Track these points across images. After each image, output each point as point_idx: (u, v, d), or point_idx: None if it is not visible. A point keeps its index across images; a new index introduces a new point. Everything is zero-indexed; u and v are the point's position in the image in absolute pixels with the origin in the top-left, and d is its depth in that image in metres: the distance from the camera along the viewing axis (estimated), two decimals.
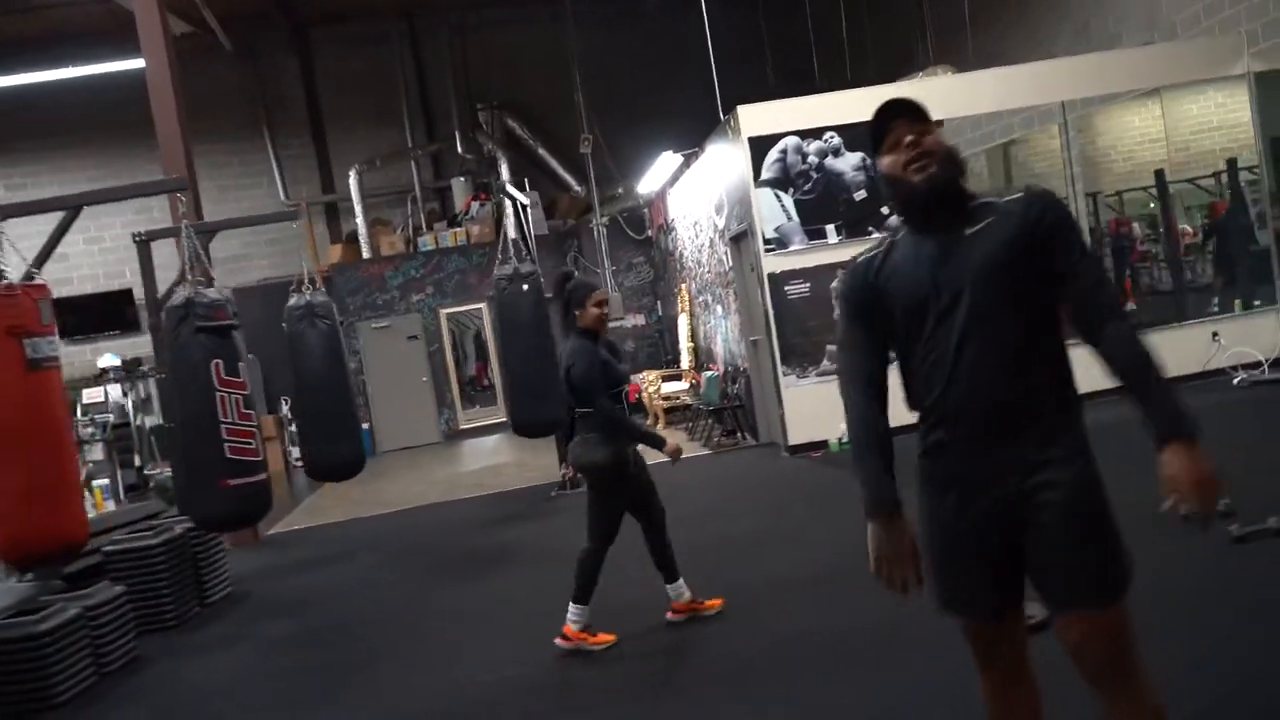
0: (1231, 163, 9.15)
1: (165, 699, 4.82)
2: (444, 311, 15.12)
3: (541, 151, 15.95)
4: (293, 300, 7.05)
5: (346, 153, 15.86)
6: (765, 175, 8.37)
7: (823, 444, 8.37)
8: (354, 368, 14.86)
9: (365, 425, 14.66)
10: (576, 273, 5.02)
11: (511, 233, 8.25)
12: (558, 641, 4.37)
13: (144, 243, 6.86)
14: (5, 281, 4.54)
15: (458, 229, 15.34)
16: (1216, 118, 9.39)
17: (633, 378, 13.49)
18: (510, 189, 8.36)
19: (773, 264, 8.35)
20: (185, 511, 5.86)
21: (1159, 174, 9.38)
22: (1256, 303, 8.90)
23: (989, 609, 2.08)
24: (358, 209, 15.19)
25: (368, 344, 14.90)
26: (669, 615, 4.54)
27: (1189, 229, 9.60)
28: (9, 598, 5.07)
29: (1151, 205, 9.64)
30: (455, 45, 16.01)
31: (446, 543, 7.55)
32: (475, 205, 15.49)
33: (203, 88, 15.34)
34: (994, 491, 2.00)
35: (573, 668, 4.25)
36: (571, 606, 4.36)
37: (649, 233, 14.38)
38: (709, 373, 10.74)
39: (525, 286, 7.31)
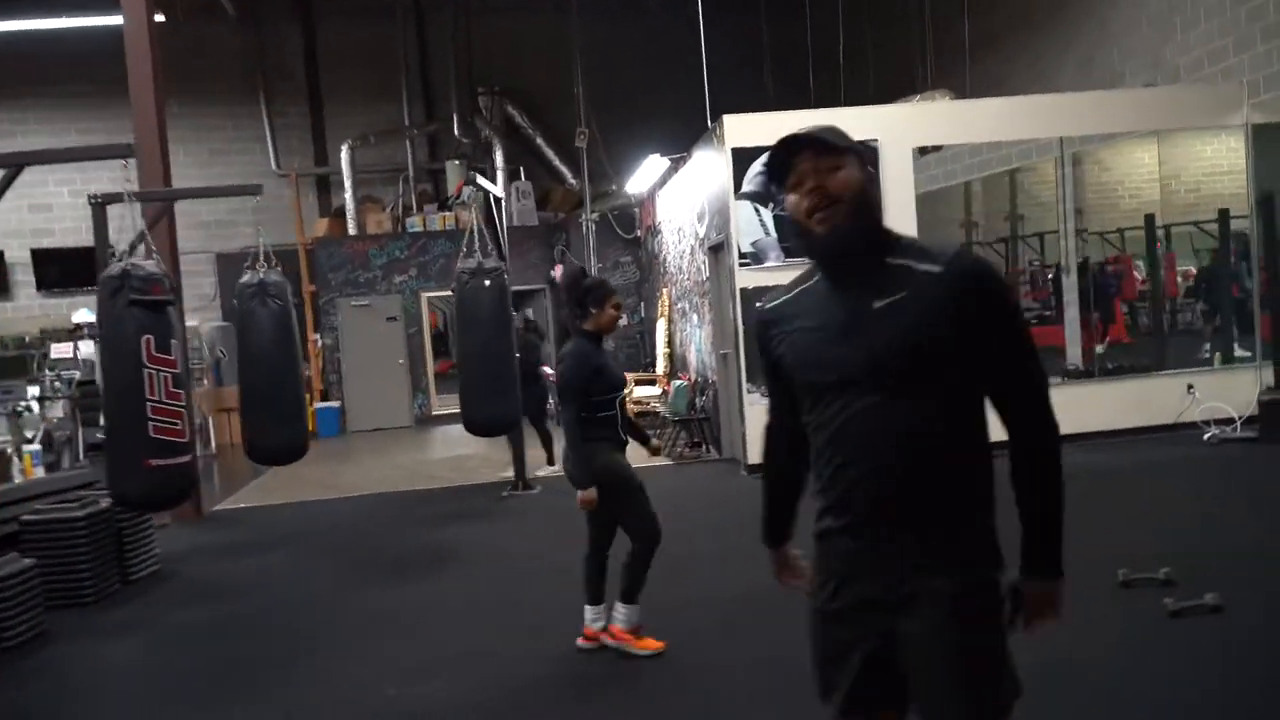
0: (1224, 213, 8.98)
1: (54, 679, 4.66)
2: (426, 295, 14.95)
3: (539, 141, 15.78)
4: (245, 277, 6.88)
5: (342, 126, 15.69)
6: (746, 188, 8.19)
7: None
8: (329, 344, 14.71)
9: (337, 404, 14.56)
10: (589, 270, 4.82)
11: (471, 222, 8.00)
12: (604, 639, 4.24)
13: (99, 205, 6.68)
14: None
15: (447, 213, 15.15)
16: (1212, 165, 9.23)
17: None
18: (481, 180, 8.16)
19: (746, 279, 8.18)
20: (107, 487, 5.69)
21: (1149, 218, 9.22)
22: (1246, 353, 8.74)
23: (859, 707, 1.86)
24: (347, 184, 15.02)
25: (345, 321, 14.73)
26: (580, 641, 4.36)
27: (1191, 269, 9.46)
28: None
29: (1158, 248, 9.47)
30: (460, 26, 15.81)
31: (390, 536, 7.39)
32: (467, 190, 15.24)
33: (202, 49, 15.22)
34: (871, 592, 1.80)
35: (488, 689, 4.07)
36: (619, 606, 4.21)
37: (638, 233, 14.19)
38: (679, 382, 10.57)
39: (487, 282, 7.13)
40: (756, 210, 8.21)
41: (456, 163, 15.54)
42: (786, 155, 1.80)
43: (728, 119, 8.19)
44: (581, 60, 13.00)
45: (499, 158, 15.36)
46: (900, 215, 8.26)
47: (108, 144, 5.80)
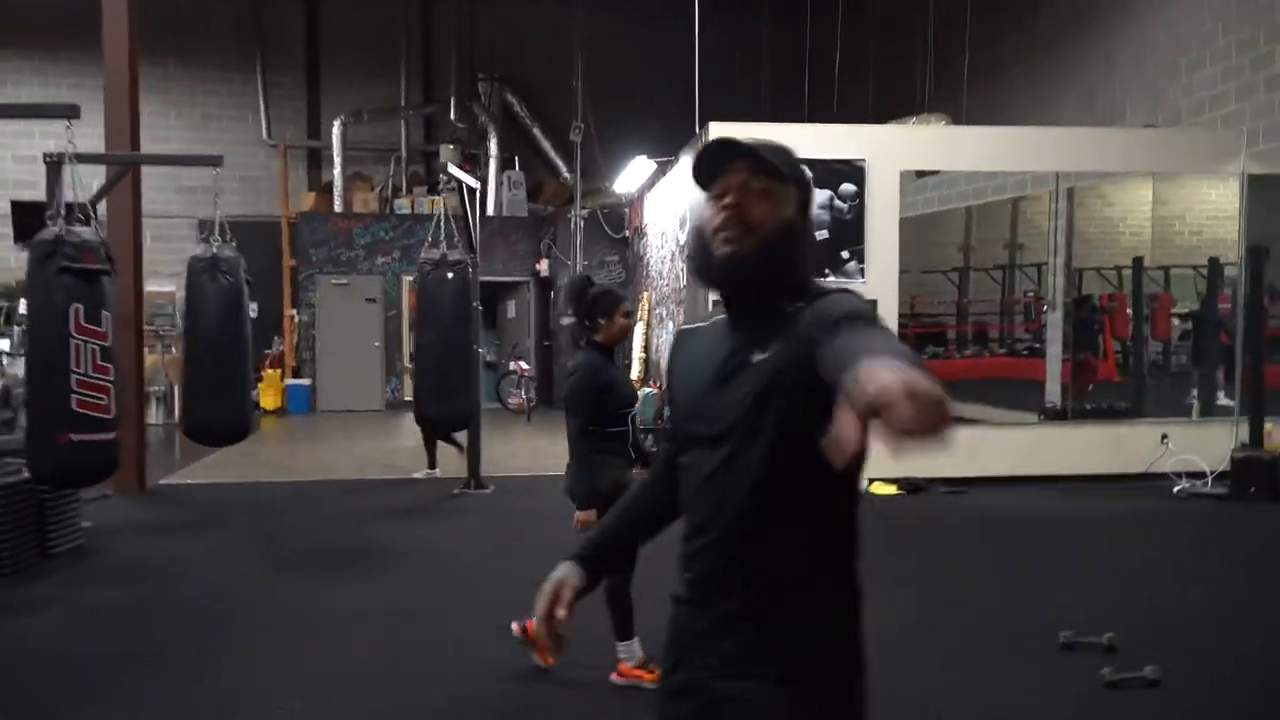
0: (1214, 260, 8.79)
1: None
2: (407, 279, 14.72)
3: (535, 132, 15.56)
4: (198, 250, 6.66)
5: (337, 101, 15.46)
6: None
7: None
8: (305, 321, 14.49)
9: (308, 382, 14.34)
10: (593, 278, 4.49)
11: (440, 210, 7.79)
12: (613, 678, 3.92)
13: (53, 163, 6.44)
14: None
15: (437, 197, 14.91)
16: (1216, 209, 9.05)
17: None
18: (454, 169, 7.93)
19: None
20: (25, 459, 5.48)
21: (1138, 260, 9.02)
22: (1229, 401, 8.56)
23: None
24: (337, 160, 14.79)
25: (324, 299, 14.51)
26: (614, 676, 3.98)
27: (1184, 310, 9.30)
28: None
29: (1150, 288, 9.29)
30: (464, 9, 15.57)
31: (333, 527, 7.17)
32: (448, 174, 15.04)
33: (203, 14, 14.98)
34: (691, 676, 1.59)
35: (401, 708, 3.85)
36: (618, 645, 3.92)
37: (626, 233, 13.99)
38: (648, 390, 10.37)
39: (450, 275, 6.91)
40: None
41: (450, 147, 15.25)
42: (717, 161, 1.56)
43: (713, 126, 7.97)
44: (582, 54, 12.78)
45: (493, 145, 15.14)
46: (883, 239, 8.08)
47: (52, 103, 5.55)
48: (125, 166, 6.67)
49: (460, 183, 7.73)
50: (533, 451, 10.84)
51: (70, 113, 5.47)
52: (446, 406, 7.19)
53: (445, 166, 8.36)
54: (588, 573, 1.75)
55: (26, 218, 10.20)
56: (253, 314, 14.88)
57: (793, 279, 1.54)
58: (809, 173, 1.63)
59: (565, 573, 1.73)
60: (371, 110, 15.22)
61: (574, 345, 4.10)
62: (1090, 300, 9.31)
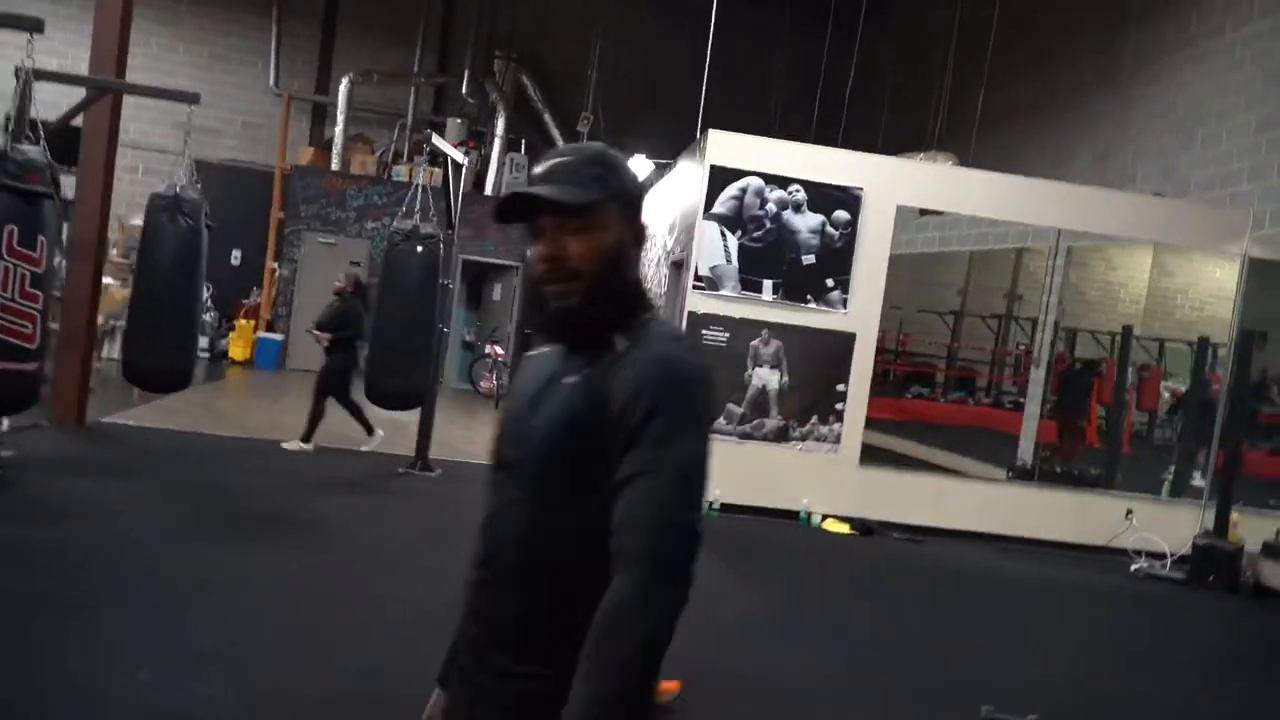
0: (1203, 339, 8.60)
1: None
2: None
3: (546, 117, 15.31)
4: (162, 188, 6.42)
5: (350, 59, 15.21)
6: (717, 209, 7.76)
7: None
8: (286, 276, 14.23)
9: (280, 337, 14.07)
10: None
11: (418, 181, 7.55)
12: None
13: (23, 79, 6.20)
14: None
15: (436, 169, 14.66)
16: (1209, 289, 8.87)
17: None
18: (439, 140, 7.69)
19: (697, 303, 7.74)
20: None
21: (1127, 329, 8.83)
22: (1202, 484, 8.37)
23: None
24: (340, 118, 14.53)
25: (307, 255, 14.24)
26: None
27: (1177, 389, 9.11)
28: None
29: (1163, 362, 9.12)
30: None
31: (266, 490, 6.91)
32: (462, 150, 14.81)
33: None
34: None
35: (268, 699, 3.61)
36: None
37: None
38: None
39: (419, 248, 6.67)
40: (723, 234, 7.78)
41: (458, 120, 15.07)
42: (519, 209, 1.44)
43: (712, 134, 7.75)
44: (601, 45, 12.57)
45: (501, 125, 14.89)
46: (871, 271, 7.87)
47: (17, 13, 5.30)
48: (99, 91, 6.41)
49: (446, 156, 7.48)
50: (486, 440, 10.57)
51: (35, 26, 5.23)
52: (400, 384, 6.95)
53: (430, 137, 8.11)
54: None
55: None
56: (235, 261, 14.81)
57: (626, 300, 1.45)
58: (630, 173, 1.49)
59: (431, 706, 1.63)
60: (383, 73, 14.97)
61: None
62: (1096, 365, 9.11)
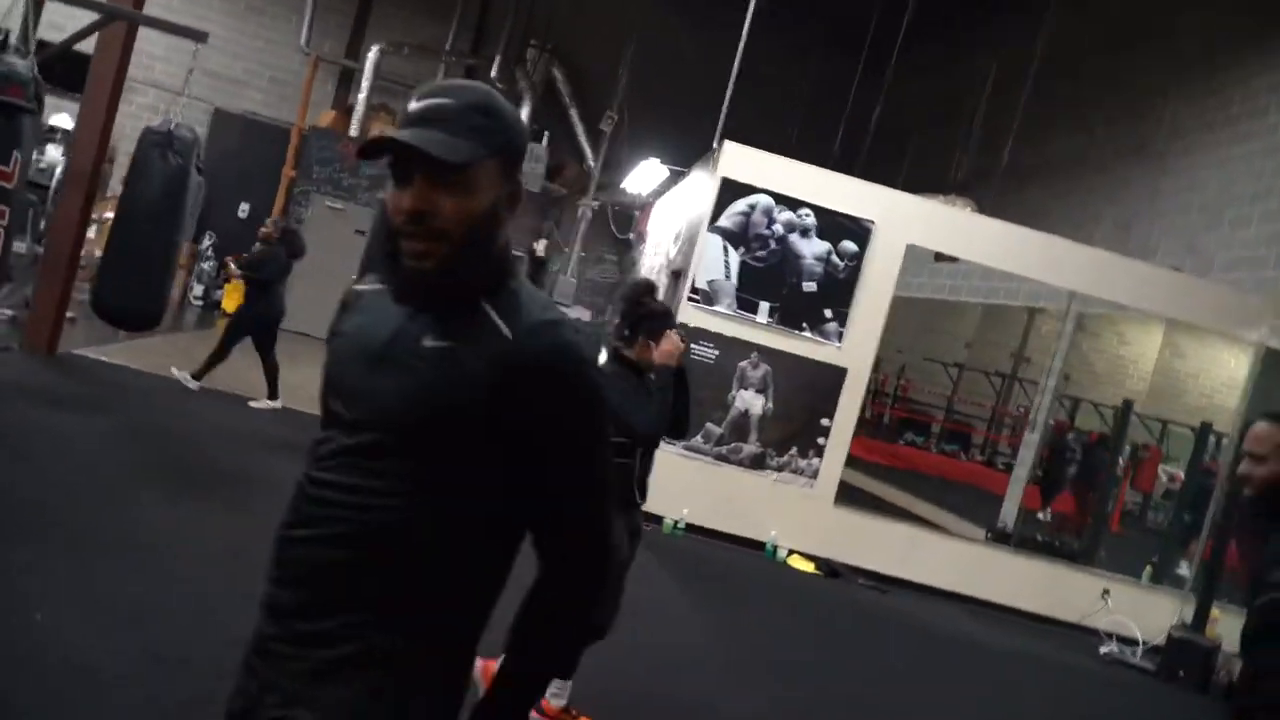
0: (1206, 425, 8.34)
1: None
2: None
3: (572, 112, 15.11)
4: (156, 123, 6.21)
5: (383, 28, 15.04)
6: (722, 222, 7.54)
7: (658, 519, 7.54)
8: None
9: None
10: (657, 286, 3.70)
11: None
12: (534, 716, 3.41)
13: None
14: None
15: None
16: (1221, 377, 8.63)
17: None
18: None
19: (690, 315, 7.50)
20: None
21: (1127, 403, 8.58)
22: (1186, 573, 8.11)
23: None
24: (365, 85, 14.35)
25: (314, 217, 14.06)
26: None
27: (1176, 473, 8.87)
28: None
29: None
30: None
31: (223, 446, 6.68)
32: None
33: None
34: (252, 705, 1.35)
35: (164, 659, 3.38)
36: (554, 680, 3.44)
37: (631, 235, 13.55)
38: None
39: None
40: (726, 249, 7.55)
41: None
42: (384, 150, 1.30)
43: (727, 145, 7.53)
44: (635, 45, 12.38)
45: (525, 113, 14.68)
46: (871, 307, 7.64)
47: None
48: (108, 18, 6.22)
49: None
50: None
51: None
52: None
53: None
54: None
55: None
56: (242, 214, 14.61)
57: (492, 265, 1.33)
58: (515, 126, 1.33)
59: None
60: (414, 46, 14.79)
61: (607, 351, 3.58)
62: (1106, 441, 8.84)
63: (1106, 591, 7.86)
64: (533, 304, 1.31)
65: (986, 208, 9.02)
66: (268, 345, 8.14)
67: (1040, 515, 9.17)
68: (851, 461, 7.86)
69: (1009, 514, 8.57)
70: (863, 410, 7.83)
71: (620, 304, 3.60)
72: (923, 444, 11.19)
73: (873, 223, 7.55)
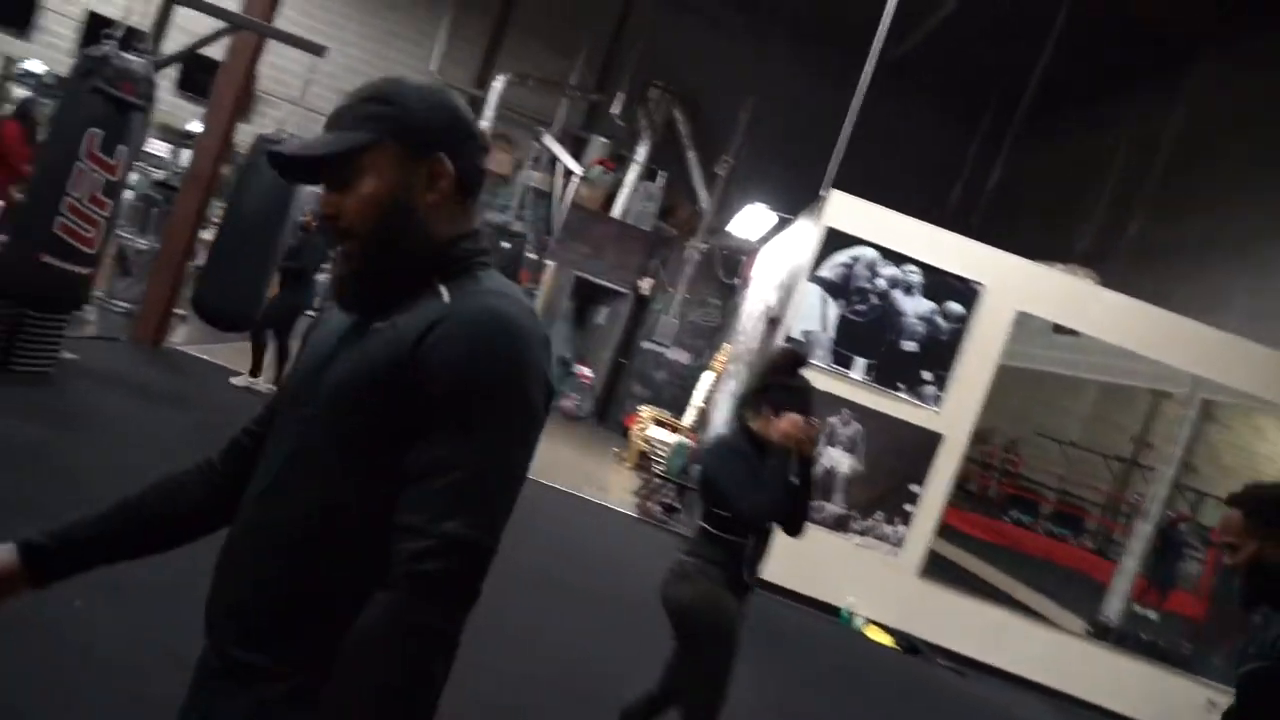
0: None
1: None
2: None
3: (689, 154, 15.08)
4: (270, 131, 6.35)
5: (511, 59, 15.33)
6: (823, 272, 7.30)
7: None
8: None
9: None
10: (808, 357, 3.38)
11: (522, 177, 7.31)
12: None
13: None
14: None
15: (550, 175, 14.56)
16: None
17: (638, 408, 12.54)
18: (550, 141, 7.46)
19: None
20: None
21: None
22: None
23: None
24: (489, 114, 14.62)
25: None
26: None
27: None
28: None
29: None
30: (664, 13, 15.28)
31: None
32: (599, 169, 14.72)
33: None
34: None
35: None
36: None
37: (737, 280, 13.36)
38: (682, 440, 9.71)
39: (505, 244, 6.39)
40: (824, 300, 7.31)
41: (602, 140, 14.99)
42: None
43: (835, 194, 7.31)
44: (756, 92, 12.30)
45: (642, 152, 14.73)
46: (974, 374, 7.28)
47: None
48: (232, 27, 6.43)
49: (555, 159, 7.25)
50: (543, 458, 10.26)
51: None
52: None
53: (540, 135, 7.90)
54: (35, 572, 1.29)
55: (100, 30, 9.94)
56: None
57: (424, 263, 1.21)
58: (423, 101, 1.22)
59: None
60: (538, 78, 15.02)
61: (734, 413, 3.33)
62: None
63: (1211, 703, 7.21)
64: (489, 283, 1.21)
65: (1108, 282, 8.54)
66: (286, 330, 8.02)
67: (1147, 612, 8.55)
68: (946, 533, 7.46)
69: (1113, 607, 8.01)
70: (964, 481, 7.44)
71: (764, 365, 3.35)
72: (1029, 523, 10.62)
73: (982, 285, 7.21)
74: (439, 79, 15.14)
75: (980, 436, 7.45)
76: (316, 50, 6.45)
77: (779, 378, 3.14)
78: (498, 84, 14.60)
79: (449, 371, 1.11)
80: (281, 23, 10.79)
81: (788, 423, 3.00)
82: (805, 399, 3.11)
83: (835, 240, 7.27)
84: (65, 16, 12.00)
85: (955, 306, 7.24)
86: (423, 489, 1.08)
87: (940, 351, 7.25)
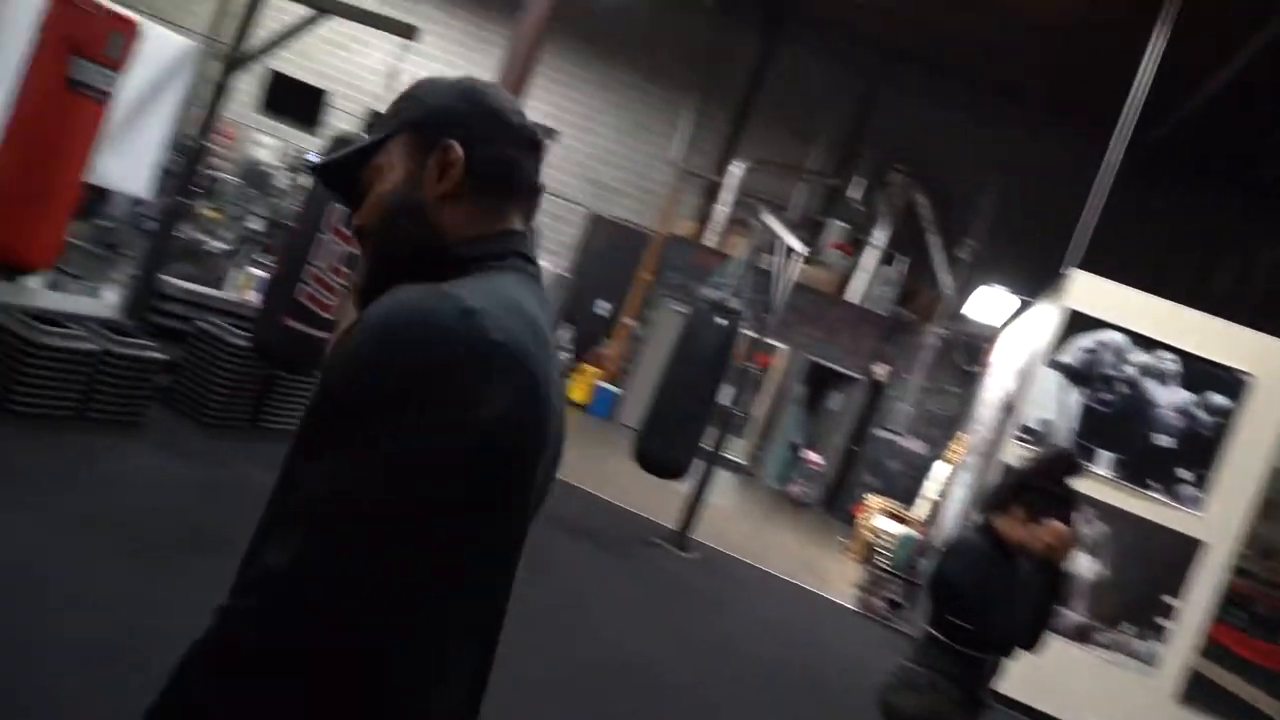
0: None
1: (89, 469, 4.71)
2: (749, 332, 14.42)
3: (930, 237, 14.63)
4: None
5: (751, 145, 15.56)
6: (1063, 357, 6.76)
7: None
8: (639, 334, 14.68)
9: (619, 390, 14.51)
10: (1081, 464, 2.98)
11: (742, 254, 7.31)
12: None
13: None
14: None
15: (806, 266, 14.49)
16: None
17: (866, 497, 12.06)
18: (771, 220, 7.41)
19: (1014, 453, 6.75)
20: (252, 328, 5.73)
21: None
22: None
23: None
24: (728, 199, 14.87)
25: (663, 320, 14.62)
26: None
27: None
28: None
29: None
30: (908, 101, 15.06)
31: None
32: (836, 253, 14.56)
33: (660, 27, 15.85)
34: None
35: None
36: None
37: (977, 368, 12.68)
38: (909, 532, 9.18)
39: (721, 320, 6.43)
40: (1064, 387, 6.75)
41: (839, 223, 14.84)
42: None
43: (1076, 275, 6.80)
44: (999, 171, 11.81)
45: (880, 235, 14.45)
46: (1243, 473, 6.46)
47: (392, 18, 5.67)
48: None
49: (778, 238, 7.21)
50: (764, 542, 10.00)
51: (406, 31, 5.66)
52: (666, 451, 6.72)
53: (758, 210, 7.88)
54: None
55: (281, 92, 10.54)
56: (600, 311, 15.61)
57: (422, 252, 1.12)
58: (439, 91, 1.17)
59: None
60: (776, 163, 15.14)
61: (977, 509, 3.19)
62: None
63: None
64: (472, 282, 1.08)
65: None
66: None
67: None
68: (1215, 653, 6.58)
69: None
70: (1248, 599, 6.58)
71: (1027, 464, 2.97)
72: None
73: (1251, 375, 6.42)
74: (682, 167, 15.63)
75: (1267, 551, 6.58)
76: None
77: (1045, 481, 2.81)
78: (736, 169, 14.86)
79: (325, 375, 1.01)
80: (535, 114, 11.52)
81: (1052, 532, 2.69)
82: (1069, 508, 2.78)
83: (1077, 323, 6.74)
84: (346, 114, 13.43)
85: (1218, 398, 6.48)
86: (277, 517, 1.03)
87: (1201, 447, 6.50)
